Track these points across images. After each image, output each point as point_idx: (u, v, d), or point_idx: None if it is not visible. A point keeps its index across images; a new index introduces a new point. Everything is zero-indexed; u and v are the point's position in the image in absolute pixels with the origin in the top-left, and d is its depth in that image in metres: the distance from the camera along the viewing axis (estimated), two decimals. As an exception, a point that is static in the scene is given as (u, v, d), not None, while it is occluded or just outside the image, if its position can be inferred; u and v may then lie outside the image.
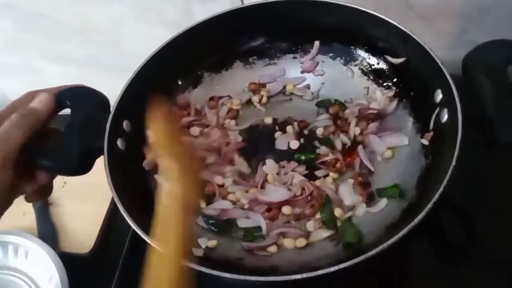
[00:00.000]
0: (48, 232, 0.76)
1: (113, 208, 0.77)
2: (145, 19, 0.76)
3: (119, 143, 0.57)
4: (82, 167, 0.55)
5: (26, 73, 0.91)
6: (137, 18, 0.76)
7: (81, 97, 0.58)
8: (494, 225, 0.61)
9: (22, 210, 0.79)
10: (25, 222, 0.78)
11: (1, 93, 0.97)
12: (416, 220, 0.43)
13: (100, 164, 0.58)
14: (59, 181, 0.82)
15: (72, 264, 0.68)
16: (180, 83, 0.67)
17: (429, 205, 0.44)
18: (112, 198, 0.75)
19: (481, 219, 0.62)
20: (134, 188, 0.56)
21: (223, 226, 0.57)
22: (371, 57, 0.64)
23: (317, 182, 0.58)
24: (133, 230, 0.69)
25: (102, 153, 0.54)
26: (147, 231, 0.47)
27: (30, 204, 0.79)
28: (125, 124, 0.59)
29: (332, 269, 0.41)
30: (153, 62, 0.61)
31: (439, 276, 0.58)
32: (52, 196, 0.79)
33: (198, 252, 0.52)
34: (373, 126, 0.61)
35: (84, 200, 0.78)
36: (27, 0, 0.76)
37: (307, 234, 0.54)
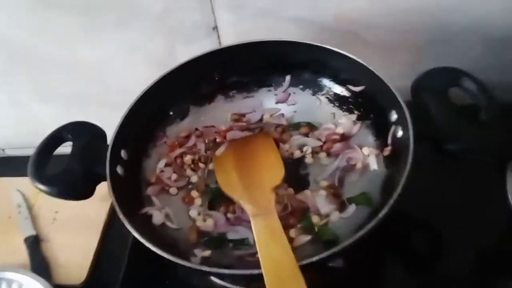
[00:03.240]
0: (40, 266, 0.76)
1: (102, 238, 0.80)
2: (131, 57, 0.80)
3: (119, 169, 0.62)
4: (85, 191, 0.60)
5: (14, 110, 0.93)
6: (124, 56, 0.80)
7: (80, 130, 0.63)
8: (454, 234, 0.66)
9: (12, 248, 0.80)
10: (16, 259, 0.78)
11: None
12: (380, 215, 0.50)
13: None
14: (49, 218, 0.84)
15: (65, 296, 0.68)
16: (171, 113, 0.73)
17: (391, 202, 0.50)
18: (101, 230, 0.80)
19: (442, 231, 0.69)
20: (134, 209, 0.61)
21: (216, 241, 0.61)
22: (335, 87, 0.71)
23: (299, 196, 0.63)
24: (129, 256, 0.73)
25: (104, 179, 0.58)
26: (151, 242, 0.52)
27: (21, 242, 0.81)
28: (123, 152, 0.64)
29: (314, 258, 0.47)
30: (145, 97, 0.66)
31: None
32: (42, 232, 0.82)
33: (195, 261, 0.57)
34: (338, 146, 0.67)
35: (74, 233, 0.80)
36: (17, 34, 0.79)
37: (291, 240, 0.58)
